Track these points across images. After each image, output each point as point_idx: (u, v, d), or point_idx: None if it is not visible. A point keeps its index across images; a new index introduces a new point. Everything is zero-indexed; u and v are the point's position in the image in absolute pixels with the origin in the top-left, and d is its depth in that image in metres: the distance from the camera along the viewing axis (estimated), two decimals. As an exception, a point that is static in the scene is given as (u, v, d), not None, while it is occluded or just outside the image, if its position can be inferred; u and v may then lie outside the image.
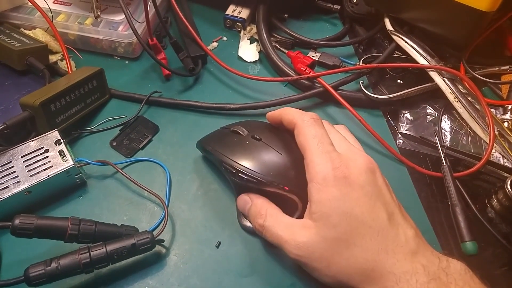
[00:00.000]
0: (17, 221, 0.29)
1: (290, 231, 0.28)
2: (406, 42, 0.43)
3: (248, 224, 0.35)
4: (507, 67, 0.44)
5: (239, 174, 0.32)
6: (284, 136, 0.34)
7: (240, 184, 0.33)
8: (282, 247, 0.29)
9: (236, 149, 0.33)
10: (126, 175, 0.36)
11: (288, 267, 0.33)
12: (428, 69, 0.41)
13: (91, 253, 0.29)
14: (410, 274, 0.25)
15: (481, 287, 0.25)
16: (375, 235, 0.26)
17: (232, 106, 0.42)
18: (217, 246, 0.34)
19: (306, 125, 0.30)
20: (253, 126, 0.35)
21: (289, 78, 0.44)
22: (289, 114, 0.32)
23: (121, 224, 0.33)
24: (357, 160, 0.28)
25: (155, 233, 0.32)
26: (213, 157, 0.35)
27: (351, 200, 0.27)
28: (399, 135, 0.42)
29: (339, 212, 0.26)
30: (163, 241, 0.34)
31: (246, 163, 0.32)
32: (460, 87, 0.40)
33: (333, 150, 0.29)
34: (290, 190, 0.31)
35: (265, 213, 0.31)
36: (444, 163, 0.37)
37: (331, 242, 0.26)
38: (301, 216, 0.31)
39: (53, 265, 0.29)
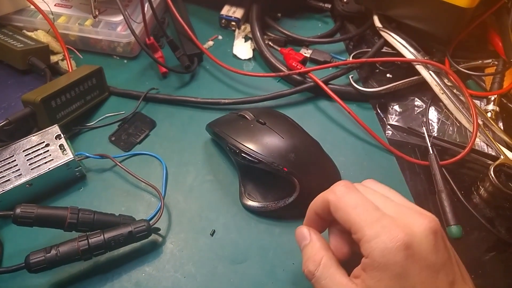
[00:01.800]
0: (18, 210, 0.31)
1: None
2: (393, 37, 0.44)
3: (249, 203, 0.36)
4: (489, 60, 0.45)
5: (242, 154, 0.34)
6: (288, 122, 0.36)
7: (243, 164, 0.35)
8: None
9: (241, 131, 0.36)
10: (124, 168, 0.38)
11: (281, 254, 0.34)
12: (415, 63, 0.43)
13: (89, 240, 0.31)
14: None
15: None
16: None
17: (226, 101, 0.44)
18: (212, 234, 0.35)
19: (339, 197, 0.26)
20: (260, 112, 0.37)
21: (281, 73, 0.45)
22: (317, 200, 0.28)
23: (119, 214, 0.34)
24: (416, 223, 0.24)
25: (151, 222, 0.33)
26: (219, 138, 0.37)
27: (413, 276, 0.23)
28: (388, 126, 0.43)
29: None
30: (159, 229, 0.35)
31: (249, 144, 0.34)
32: (445, 80, 0.42)
33: (383, 215, 0.25)
34: (289, 171, 0.33)
35: (320, 261, 0.26)
36: (431, 152, 0.38)
37: None
38: (298, 196, 0.32)
39: (53, 252, 0.30)
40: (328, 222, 0.29)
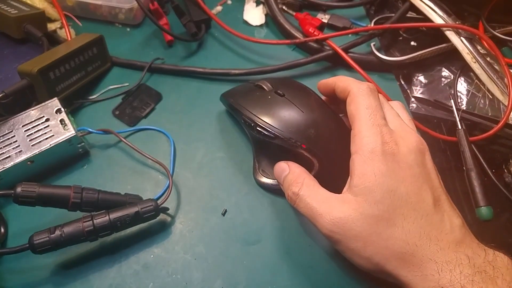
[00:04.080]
0: (19, 189, 0.29)
1: (327, 205, 0.26)
2: (421, 0, 0.40)
3: (263, 180, 0.34)
4: (529, 24, 0.41)
5: (257, 128, 0.32)
6: (310, 94, 0.33)
7: (258, 138, 0.33)
8: (315, 220, 0.27)
9: (257, 103, 0.33)
10: (130, 144, 0.36)
11: (295, 234, 0.33)
12: (445, 28, 0.39)
13: (94, 221, 0.29)
14: (454, 264, 0.23)
15: None
16: (419, 218, 0.24)
17: (236, 71, 0.41)
18: (223, 214, 0.34)
19: (360, 94, 0.28)
20: (279, 82, 0.35)
21: (297, 40, 0.42)
22: (344, 81, 0.30)
23: (125, 193, 0.33)
24: (408, 139, 0.27)
25: (159, 201, 0.31)
26: (234, 110, 0.35)
27: (397, 178, 0.25)
28: (412, 99, 0.40)
29: (383, 188, 0.25)
30: (167, 209, 0.33)
31: (265, 118, 0.31)
32: (478, 47, 0.38)
33: (385, 124, 0.27)
34: (308, 148, 0.31)
35: (302, 182, 0.29)
36: (460, 127, 0.35)
37: (371, 219, 0.25)
38: (316, 176, 0.30)
39: (57, 232, 0.29)
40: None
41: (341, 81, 0.30)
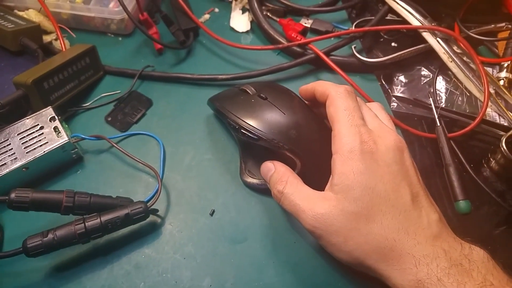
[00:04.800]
0: (13, 195, 0.30)
1: (309, 201, 0.27)
2: (398, 3, 0.42)
3: (249, 180, 0.36)
4: (503, 24, 0.42)
5: (242, 130, 0.33)
6: (292, 97, 0.35)
7: (244, 140, 0.34)
8: (298, 216, 0.28)
9: (241, 106, 0.34)
10: (121, 149, 0.37)
11: (282, 232, 0.33)
12: (421, 30, 0.40)
13: (86, 223, 0.30)
14: (431, 258, 0.24)
15: (504, 276, 0.24)
16: (397, 214, 0.25)
17: (223, 76, 0.42)
18: (211, 214, 0.35)
19: (338, 96, 0.29)
20: (262, 86, 0.36)
21: (280, 45, 0.43)
22: (322, 86, 0.31)
23: (116, 196, 0.34)
24: (386, 138, 0.28)
25: (149, 203, 0.32)
26: (220, 114, 0.36)
27: (375, 175, 0.26)
28: (393, 98, 0.41)
29: (362, 186, 0.26)
30: (157, 211, 0.34)
31: (249, 120, 0.33)
32: (454, 47, 0.39)
33: (363, 124, 0.28)
34: (290, 148, 0.32)
35: (286, 180, 0.30)
36: (438, 124, 0.36)
37: (350, 216, 0.25)
38: (299, 175, 0.31)
39: (50, 236, 0.29)
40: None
41: (320, 86, 0.31)
